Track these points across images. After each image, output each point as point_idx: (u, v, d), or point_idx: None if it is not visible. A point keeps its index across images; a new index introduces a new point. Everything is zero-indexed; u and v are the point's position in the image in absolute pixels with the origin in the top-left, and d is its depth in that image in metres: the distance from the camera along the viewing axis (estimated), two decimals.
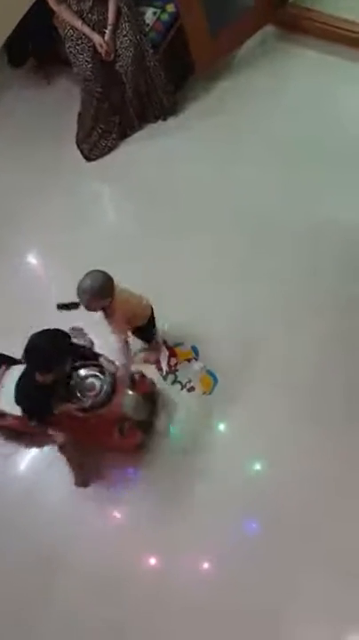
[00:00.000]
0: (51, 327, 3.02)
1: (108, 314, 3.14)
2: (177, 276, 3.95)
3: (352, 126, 4.25)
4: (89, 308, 3.10)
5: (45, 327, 3.00)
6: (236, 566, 3.12)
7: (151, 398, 3.53)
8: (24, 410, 3.18)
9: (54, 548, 3.37)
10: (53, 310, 3.30)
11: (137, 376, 3.45)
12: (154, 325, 3.55)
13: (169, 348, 3.76)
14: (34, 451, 3.66)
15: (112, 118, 4.67)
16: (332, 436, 3.28)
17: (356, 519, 3.06)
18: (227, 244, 4.03)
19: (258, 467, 3.37)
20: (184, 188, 4.38)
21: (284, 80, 4.64)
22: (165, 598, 3.13)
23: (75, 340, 3.25)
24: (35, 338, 2.93)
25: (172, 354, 3.75)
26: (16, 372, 3.31)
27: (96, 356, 3.26)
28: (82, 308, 3.10)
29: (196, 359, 3.71)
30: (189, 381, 3.65)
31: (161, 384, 3.64)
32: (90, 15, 4.25)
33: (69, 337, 3.11)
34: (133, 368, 3.42)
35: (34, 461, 3.66)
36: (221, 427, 3.53)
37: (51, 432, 3.20)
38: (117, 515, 3.43)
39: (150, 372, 3.65)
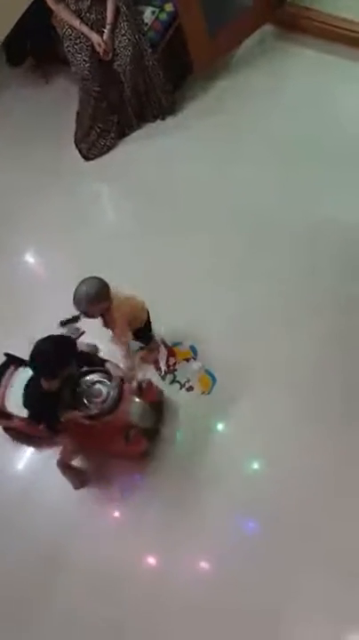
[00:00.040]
0: (53, 333, 3.02)
1: (108, 319, 3.14)
2: (175, 275, 3.95)
3: (351, 125, 4.25)
4: (88, 314, 3.10)
5: (44, 326, 3.00)
6: (236, 566, 3.11)
7: (158, 407, 3.50)
8: (31, 416, 3.19)
9: (54, 548, 3.36)
10: (53, 310, 3.31)
11: (144, 384, 3.42)
12: (150, 330, 3.55)
13: (167, 347, 3.76)
14: (33, 449, 3.65)
15: (110, 117, 4.66)
16: (332, 434, 3.27)
17: (356, 518, 3.05)
18: (226, 243, 4.02)
19: (256, 466, 3.36)
20: (183, 188, 4.37)
21: (283, 79, 4.64)
22: (164, 597, 3.12)
23: (80, 346, 3.24)
24: (40, 344, 2.93)
25: (171, 353, 3.74)
26: (24, 373, 3.28)
27: (102, 361, 3.23)
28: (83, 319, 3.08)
29: (195, 359, 3.70)
30: (188, 381, 3.64)
31: (165, 389, 3.62)
32: (88, 14, 4.25)
33: (74, 343, 3.10)
34: (140, 375, 3.41)
35: (32, 460, 3.65)
36: (220, 426, 3.52)
37: (58, 439, 3.23)
38: (117, 514, 3.42)
39: (150, 372, 3.65)
